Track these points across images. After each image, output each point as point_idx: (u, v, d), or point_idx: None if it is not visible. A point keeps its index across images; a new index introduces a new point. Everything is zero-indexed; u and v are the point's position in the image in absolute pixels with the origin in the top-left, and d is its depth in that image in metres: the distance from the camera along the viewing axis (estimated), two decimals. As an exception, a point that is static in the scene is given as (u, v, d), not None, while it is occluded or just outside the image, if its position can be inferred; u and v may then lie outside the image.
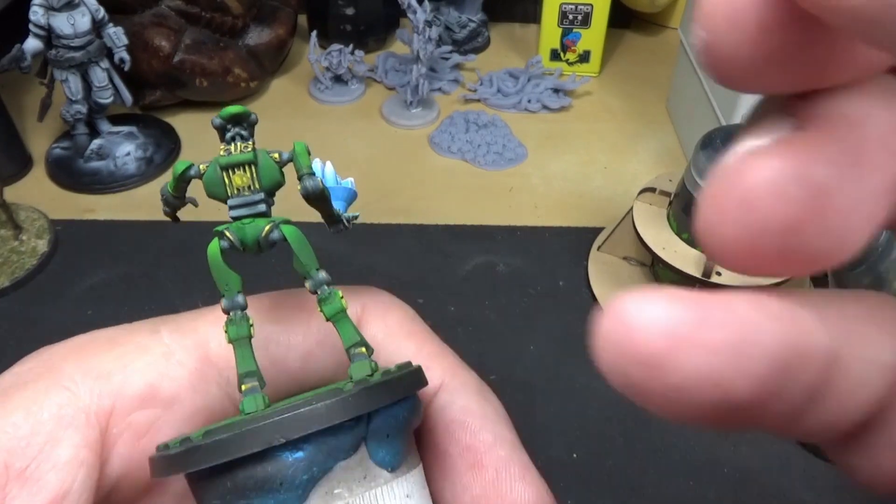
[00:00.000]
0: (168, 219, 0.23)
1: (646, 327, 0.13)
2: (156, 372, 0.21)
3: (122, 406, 0.20)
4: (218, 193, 0.21)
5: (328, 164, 0.24)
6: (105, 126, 0.85)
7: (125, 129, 0.86)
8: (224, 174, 0.21)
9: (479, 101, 0.96)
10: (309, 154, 0.22)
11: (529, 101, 0.95)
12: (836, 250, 0.13)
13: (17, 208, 0.77)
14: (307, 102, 0.97)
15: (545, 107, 0.95)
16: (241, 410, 0.19)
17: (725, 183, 0.13)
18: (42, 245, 0.75)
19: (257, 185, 0.21)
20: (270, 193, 0.21)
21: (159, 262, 0.74)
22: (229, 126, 0.21)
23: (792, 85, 0.13)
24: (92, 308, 0.70)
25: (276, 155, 0.21)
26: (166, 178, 0.89)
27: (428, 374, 0.21)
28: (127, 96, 0.84)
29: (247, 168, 0.21)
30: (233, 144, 0.21)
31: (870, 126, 0.13)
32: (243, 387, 0.19)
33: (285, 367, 0.23)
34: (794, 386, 0.14)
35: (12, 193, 0.79)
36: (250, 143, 0.21)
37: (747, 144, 0.14)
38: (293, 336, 0.23)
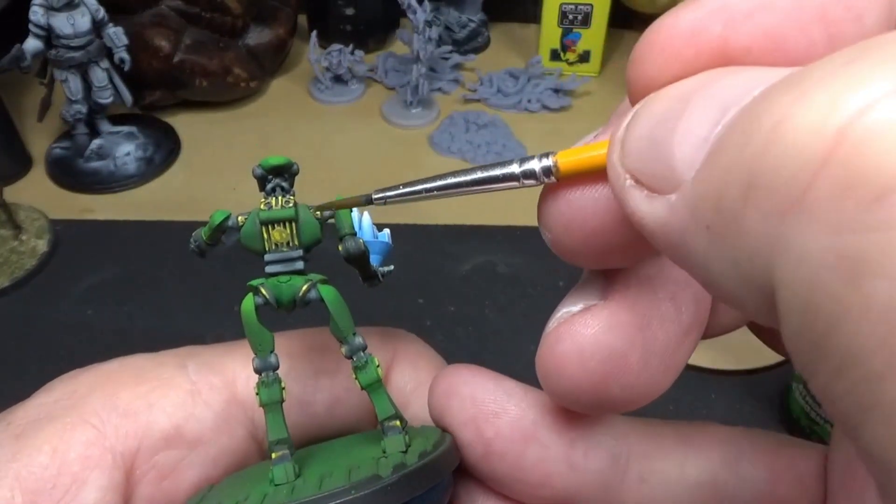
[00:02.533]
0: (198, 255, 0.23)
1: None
2: (182, 412, 0.21)
3: (147, 447, 0.20)
4: (255, 247, 0.21)
5: (365, 215, 0.23)
6: (105, 126, 0.85)
7: (125, 129, 0.86)
8: (263, 229, 0.20)
9: (479, 101, 0.96)
10: (351, 211, 0.21)
11: (529, 101, 0.95)
12: (642, 396, 0.17)
13: (17, 208, 0.77)
14: (307, 102, 0.97)
15: (545, 107, 0.95)
16: (271, 480, 0.19)
17: (546, 349, 0.17)
18: (42, 245, 0.75)
19: (296, 242, 0.20)
20: (308, 249, 0.21)
21: (159, 262, 0.74)
22: (270, 177, 0.21)
23: (618, 263, 0.17)
24: (92, 308, 0.70)
25: (317, 211, 0.21)
26: (167, 179, 0.89)
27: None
28: (127, 96, 0.84)
29: (287, 224, 0.20)
30: (273, 198, 0.20)
31: (660, 283, 0.17)
32: (273, 454, 0.19)
33: (312, 412, 0.23)
34: None
35: (12, 193, 0.79)
36: (291, 197, 0.21)
37: (563, 310, 0.18)
38: (321, 381, 0.23)
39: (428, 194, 0.18)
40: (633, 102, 0.15)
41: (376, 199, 0.19)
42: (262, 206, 0.21)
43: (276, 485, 0.19)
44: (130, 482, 0.20)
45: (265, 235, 0.20)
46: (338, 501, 0.17)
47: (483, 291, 0.72)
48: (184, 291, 0.71)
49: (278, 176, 0.21)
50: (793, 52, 0.13)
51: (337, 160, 0.87)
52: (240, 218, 0.21)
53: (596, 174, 0.15)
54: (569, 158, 0.16)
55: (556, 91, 0.97)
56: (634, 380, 0.17)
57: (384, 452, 0.20)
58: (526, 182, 0.17)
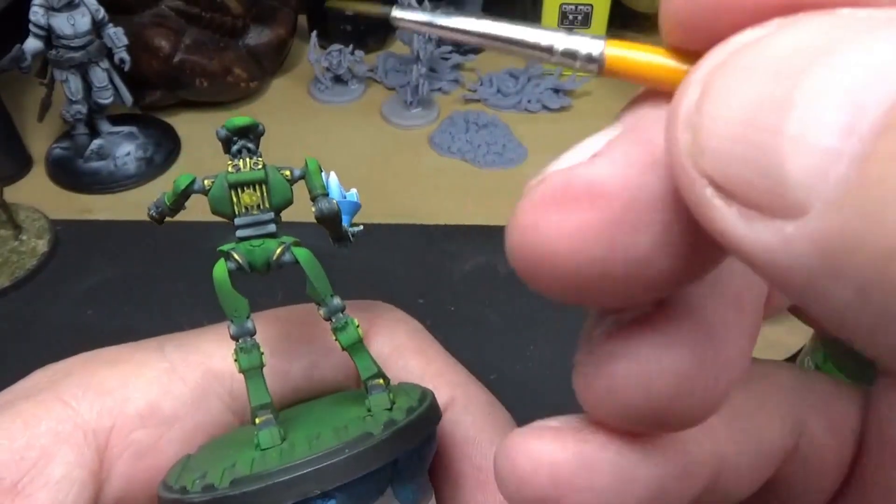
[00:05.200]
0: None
1: (531, 471, 0.14)
2: (157, 389, 0.21)
3: (122, 424, 0.20)
4: (224, 211, 0.20)
5: (332, 175, 0.23)
6: (105, 126, 0.85)
7: (125, 129, 0.86)
8: (232, 192, 0.20)
9: (479, 101, 0.96)
10: (321, 171, 0.21)
11: (529, 101, 0.95)
12: (706, 413, 0.14)
13: (17, 208, 0.77)
14: (307, 102, 0.97)
15: (545, 107, 0.95)
16: (257, 444, 0.19)
17: (595, 370, 0.14)
18: (42, 245, 0.75)
19: (267, 205, 0.20)
20: (279, 212, 0.21)
21: (159, 262, 0.74)
22: (235, 138, 0.20)
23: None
24: (92, 308, 0.70)
25: (288, 172, 0.21)
26: (167, 179, 0.89)
27: (437, 393, 0.21)
28: (127, 96, 0.84)
29: (256, 187, 0.20)
30: (241, 160, 0.20)
31: (723, 285, 0.13)
32: (257, 419, 0.19)
33: (289, 379, 0.23)
34: (678, 497, 0.15)
35: (12, 193, 0.79)
36: (260, 159, 0.20)
37: (609, 320, 0.14)
38: (297, 349, 0.23)
39: (450, 32, 0.15)
40: (672, 45, 0.11)
41: (395, 16, 0.16)
42: (229, 169, 0.20)
43: (262, 449, 0.19)
44: (107, 460, 0.20)
45: (234, 199, 0.20)
46: (332, 461, 0.17)
47: (483, 291, 0.72)
48: (184, 291, 0.71)
49: (243, 137, 0.20)
50: None
51: (337, 160, 0.87)
52: (206, 182, 0.20)
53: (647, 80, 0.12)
54: (621, 53, 0.13)
55: (556, 91, 0.97)
56: (700, 401, 0.14)
57: (369, 411, 0.20)
58: (563, 60, 0.14)
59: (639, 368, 0.13)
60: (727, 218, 0.10)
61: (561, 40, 0.13)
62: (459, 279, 0.73)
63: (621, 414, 0.14)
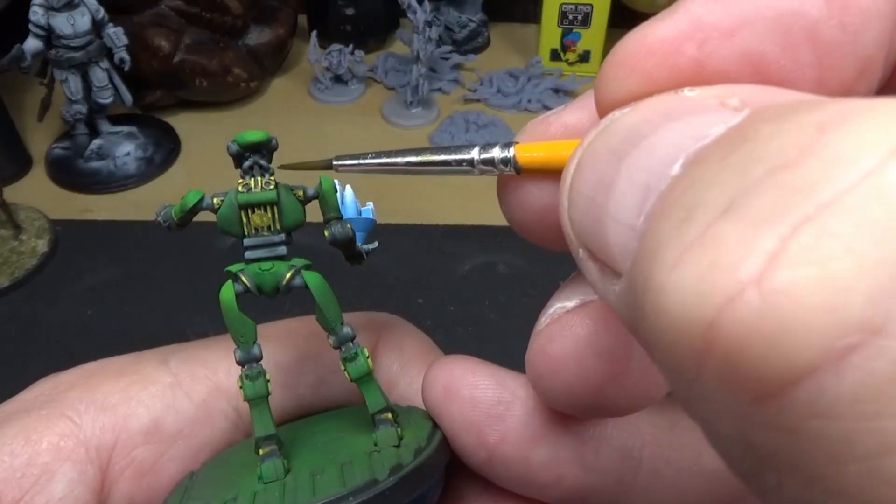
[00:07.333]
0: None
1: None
2: (161, 405, 0.20)
3: (125, 441, 0.20)
4: (233, 232, 0.19)
5: (348, 188, 0.22)
6: (105, 126, 0.85)
7: (125, 129, 0.86)
8: (242, 213, 0.19)
9: (479, 101, 0.96)
10: (336, 190, 0.20)
11: (529, 102, 0.95)
12: (641, 399, 0.16)
13: (17, 208, 0.77)
14: (307, 102, 0.97)
15: (545, 107, 0.95)
16: (259, 476, 0.18)
17: (538, 348, 0.16)
18: (42, 245, 0.74)
19: (278, 226, 0.19)
20: (290, 233, 0.20)
21: (159, 262, 0.74)
22: (247, 154, 0.19)
23: None
24: (92, 308, 0.70)
25: (301, 192, 0.20)
26: (167, 179, 0.88)
27: None
28: (127, 96, 0.83)
29: (268, 207, 0.19)
30: (251, 178, 0.19)
31: None
32: (261, 451, 0.19)
33: (297, 394, 0.22)
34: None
35: (12, 193, 0.79)
36: (272, 178, 0.19)
37: (556, 306, 0.16)
38: (306, 364, 0.22)
39: (388, 168, 0.17)
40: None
41: (336, 164, 0.18)
42: (239, 188, 0.19)
43: (265, 482, 0.18)
44: (108, 478, 0.20)
45: (244, 219, 0.19)
46: None
47: (483, 291, 0.72)
48: (184, 291, 0.71)
49: (256, 153, 0.19)
50: (776, 77, 0.12)
51: (337, 160, 0.87)
52: (215, 200, 0.19)
53: (557, 172, 0.14)
54: (529, 155, 0.15)
55: (557, 91, 0.96)
56: (634, 383, 0.15)
57: (376, 445, 0.19)
58: (484, 169, 0.15)
59: (572, 347, 0.15)
60: (592, 273, 0.12)
61: (478, 154, 0.15)
62: (459, 279, 0.73)
63: (563, 395, 0.16)
